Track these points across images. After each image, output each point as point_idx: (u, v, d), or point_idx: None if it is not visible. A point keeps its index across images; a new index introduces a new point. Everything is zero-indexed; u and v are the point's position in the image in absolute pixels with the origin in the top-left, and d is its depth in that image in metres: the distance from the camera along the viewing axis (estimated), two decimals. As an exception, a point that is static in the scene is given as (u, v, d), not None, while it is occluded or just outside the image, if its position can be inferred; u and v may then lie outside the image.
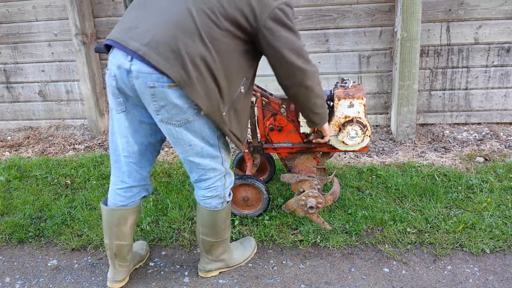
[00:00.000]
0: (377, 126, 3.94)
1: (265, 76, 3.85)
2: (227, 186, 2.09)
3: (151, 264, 2.39)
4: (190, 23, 1.71)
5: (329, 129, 2.31)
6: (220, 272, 2.28)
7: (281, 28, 1.81)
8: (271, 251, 2.44)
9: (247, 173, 2.70)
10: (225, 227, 2.17)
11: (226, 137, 2.01)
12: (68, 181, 3.27)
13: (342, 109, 2.39)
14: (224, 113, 1.85)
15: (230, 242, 2.41)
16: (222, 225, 2.14)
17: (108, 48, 1.89)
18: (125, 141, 1.98)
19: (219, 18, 1.73)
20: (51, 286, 2.28)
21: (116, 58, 1.78)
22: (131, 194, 2.11)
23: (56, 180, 3.31)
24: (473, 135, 3.64)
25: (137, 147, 2.00)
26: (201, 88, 1.75)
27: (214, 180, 2.03)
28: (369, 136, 2.44)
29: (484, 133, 3.65)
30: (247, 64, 1.89)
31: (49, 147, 3.97)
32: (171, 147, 3.77)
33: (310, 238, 2.47)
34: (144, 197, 2.19)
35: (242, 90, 1.90)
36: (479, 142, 3.53)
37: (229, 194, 2.15)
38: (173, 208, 2.79)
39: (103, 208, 2.13)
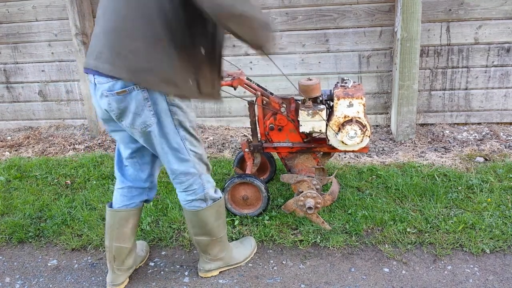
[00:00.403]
0: (377, 126, 3.94)
1: (265, 76, 3.86)
2: (207, 187, 2.05)
3: (151, 264, 2.39)
4: (121, 13, 1.71)
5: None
6: (220, 272, 2.28)
7: None
8: (271, 251, 2.44)
9: (247, 172, 2.70)
10: (218, 225, 2.15)
11: (194, 135, 1.95)
12: (68, 181, 3.27)
13: (342, 109, 2.39)
14: (191, 83, 1.80)
15: (230, 241, 2.41)
16: (214, 223, 2.12)
17: None
18: (122, 146, 2.05)
19: None
20: (51, 286, 2.28)
21: (89, 77, 1.87)
22: (131, 195, 2.12)
23: (56, 180, 3.31)
24: (473, 135, 3.64)
25: (132, 151, 2.04)
26: (155, 73, 1.72)
27: (189, 184, 2.01)
28: (369, 136, 2.44)
29: (484, 133, 3.65)
30: (195, 22, 1.75)
31: (49, 147, 3.97)
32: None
33: (310, 238, 2.47)
34: (146, 201, 2.19)
35: (202, 51, 1.81)
36: (479, 142, 3.53)
37: (215, 191, 2.11)
38: (173, 208, 2.79)
39: (107, 210, 2.15)
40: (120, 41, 1.71)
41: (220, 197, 2.13)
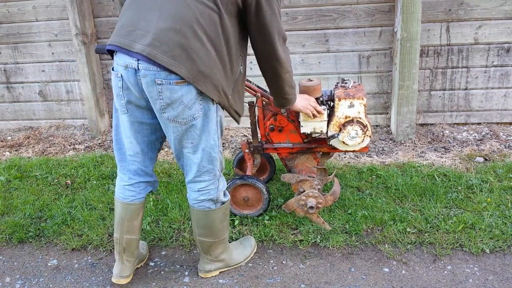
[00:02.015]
0: (377, 126, 3.94)
1: (265, 76, 3.86)
2: (220, 189, 2.09)
3: (151, 264, 2.40)
4: (189, 14, 1.73)
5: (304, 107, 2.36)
6: (220, 272, 2.28)
7: (268, 5, 1.86)
8: (271, 251, 2.44)
9: (248, 173, 2.70)
10: (223, 227, 2.17)
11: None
12: (68, 181, 3.28)
13: (343, 109, 2.39)
14: (230, 96, 1.90)
15: (230, 242, 2.41)
16: (219, 225, 2.14)
17: (110, 51, 1.90)
18: (129, 142, 2.03)
19: (215, 1, 1.77)
20: (51, 286, 2.29)
21: (122, 59, 1.80)
22: (140, 189, 2.15)
23: (56, 180, 3.31)
24: (473, 135, 3.64)
25: (140, 147, 2.04)
26: (210, 80, 1.79)
27: (208, 184, 2.03)
28: (369, 136, 2.44)
29: (484, 133, 3.65)
30: (242, 42, 1.94)
31: (49, 147, 3.98)
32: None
33: (310, 238, 2.47)
34: (150, 192, 2.23)
35: (241, 70, 1.97)
36: (479, 142, 3.53)
37: (225, 194, 2.16)
38: (173, 208, 2.79)
39: (118, 202, 2.15)
40: (189, 40, 1.72)
41: (228, 200, 2.16)
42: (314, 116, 2.39)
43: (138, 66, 1.75)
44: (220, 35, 1.79)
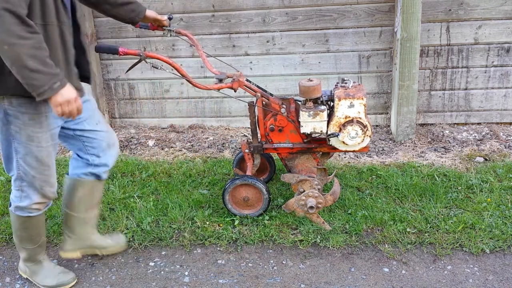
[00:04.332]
0: (377, 126, 3.94)
1: (265, 76, 3.86)
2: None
3: (151, 264, 2.40)
4: None
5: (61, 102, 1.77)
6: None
7: None
8: (271, 251, 2.44)
9: (248, 173, 2.70)
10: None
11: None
12: (68, 181, 3.27)
13: (343, 109, 2.39)
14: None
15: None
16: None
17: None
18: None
19: None
20: (51, 286, 2.29)
21: None
22: (76, 165, 2.24)
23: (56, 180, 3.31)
24: (473, 135, 3.65)
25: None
26: None
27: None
28: (370, 136, 2.44)
29: (484, 133, 3.66)
30: None
31: (49, 147, 3.97)
32: (171, 147, 3.77)
33: (310, 238, 2.47)
34: (96, 177, 2.23)
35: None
36: (479, 142, 3.53)
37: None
38: (173, 208, 2.79)
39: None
40: None
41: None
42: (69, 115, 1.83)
43: None
44: None
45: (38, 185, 2.01)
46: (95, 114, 2.17)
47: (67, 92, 1.75)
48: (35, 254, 2.23)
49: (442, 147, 3.49)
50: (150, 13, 2.39)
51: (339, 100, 2.38)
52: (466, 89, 3.74)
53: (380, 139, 3.71)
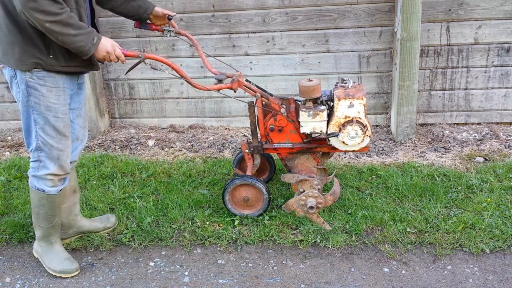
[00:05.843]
0: (377, 126, 3.94)
1: (265, 76, 3.86)
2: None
3: (151, 264, 2.40)
4: None
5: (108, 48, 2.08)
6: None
7: None
8: (271, 251, 2.44)
9: (248, 173, 2.70)
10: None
11: None
12: (68, 181, 3.27)
13: (342, 109, 2.39)
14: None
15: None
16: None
17: None
18: None
19: None
20: (51, 286, 2.29)
21: None
22: None
23: (56, 180, 3.31)
24: (473, 135, 3.65)
25: None
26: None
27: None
28: (369, 136, 2.44)
29: (484, 133, 3.66)
30: None
31: (49, 147, 3.97)
32: (171, 147, 3.77)
33: (310, 238, 2.47)
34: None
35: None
36: (479, 142, 3.53)
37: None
38: (173, 208, 2.79)
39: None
40: None
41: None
42: (111, 60, 2.12)
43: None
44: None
45: (56, 154, 2.16)
46: (81, 107, 2.35)
47: (105, 43, 2.05)
48: (49, 235, 2.35)
49: (442, 147, 3.49)
50: (159, 9, 2.45)
51: (339, 100, 2.38)
52: (466, 89, 3.74)
53: (380, 139, 3.71)
